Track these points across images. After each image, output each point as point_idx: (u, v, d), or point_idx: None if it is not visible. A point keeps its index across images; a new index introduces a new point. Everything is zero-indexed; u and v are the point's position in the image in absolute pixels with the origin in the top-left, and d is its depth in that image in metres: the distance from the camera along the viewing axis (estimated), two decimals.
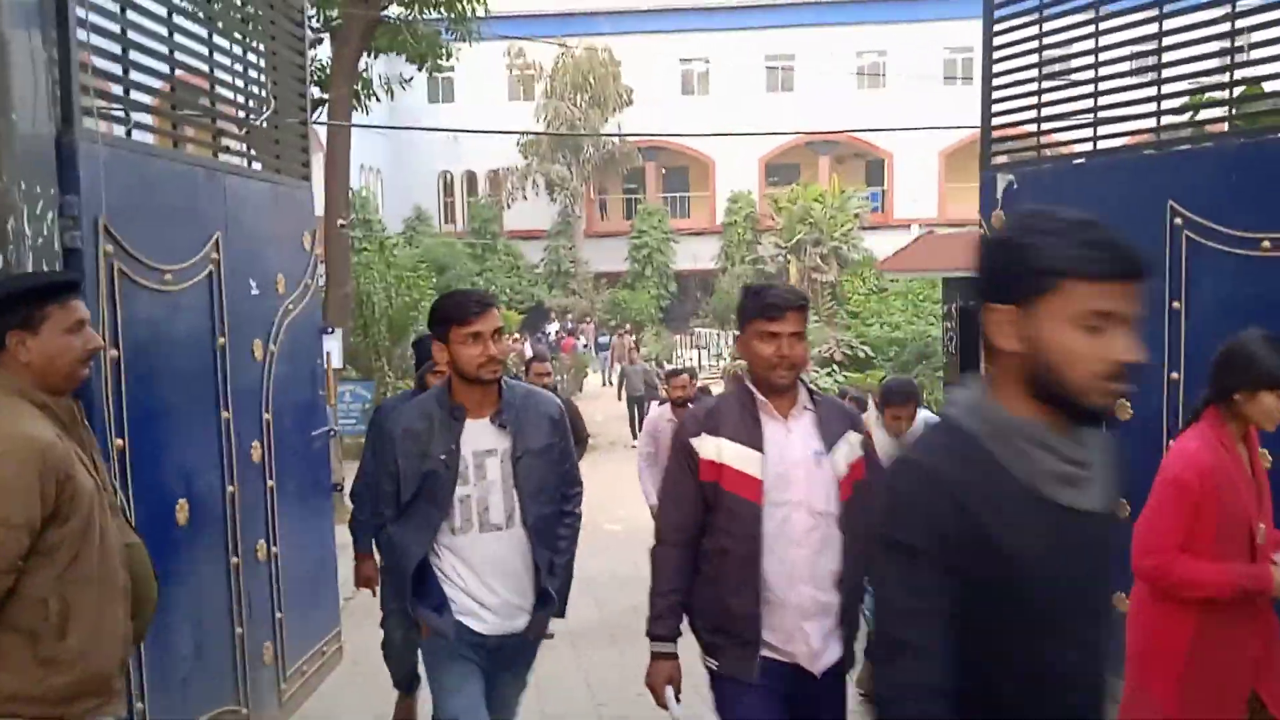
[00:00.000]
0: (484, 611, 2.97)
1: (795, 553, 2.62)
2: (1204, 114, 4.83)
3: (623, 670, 5.23)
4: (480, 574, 2.97)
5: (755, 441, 2.66)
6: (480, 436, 2.95)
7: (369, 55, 13.01)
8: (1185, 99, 4.75)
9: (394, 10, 12.61)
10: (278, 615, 4.26)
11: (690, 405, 6.87)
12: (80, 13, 3.05)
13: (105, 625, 2.31)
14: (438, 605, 2.96)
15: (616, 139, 29.48)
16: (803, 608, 2.63)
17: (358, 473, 4.36)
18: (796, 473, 2.65)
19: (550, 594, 3.05)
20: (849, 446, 2.75)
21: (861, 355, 18.85)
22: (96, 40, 3.24)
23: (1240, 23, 4.23)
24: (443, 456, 2.90)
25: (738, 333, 2.84)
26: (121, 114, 3.54)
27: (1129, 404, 4.46)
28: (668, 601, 2.75)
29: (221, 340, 3.81)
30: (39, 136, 2.85)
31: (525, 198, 30.37)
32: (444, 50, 13.87)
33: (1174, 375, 4.26)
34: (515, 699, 3.33)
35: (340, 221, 11.93)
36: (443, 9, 12.97)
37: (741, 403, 2.73)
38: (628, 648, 5.35)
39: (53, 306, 2.31)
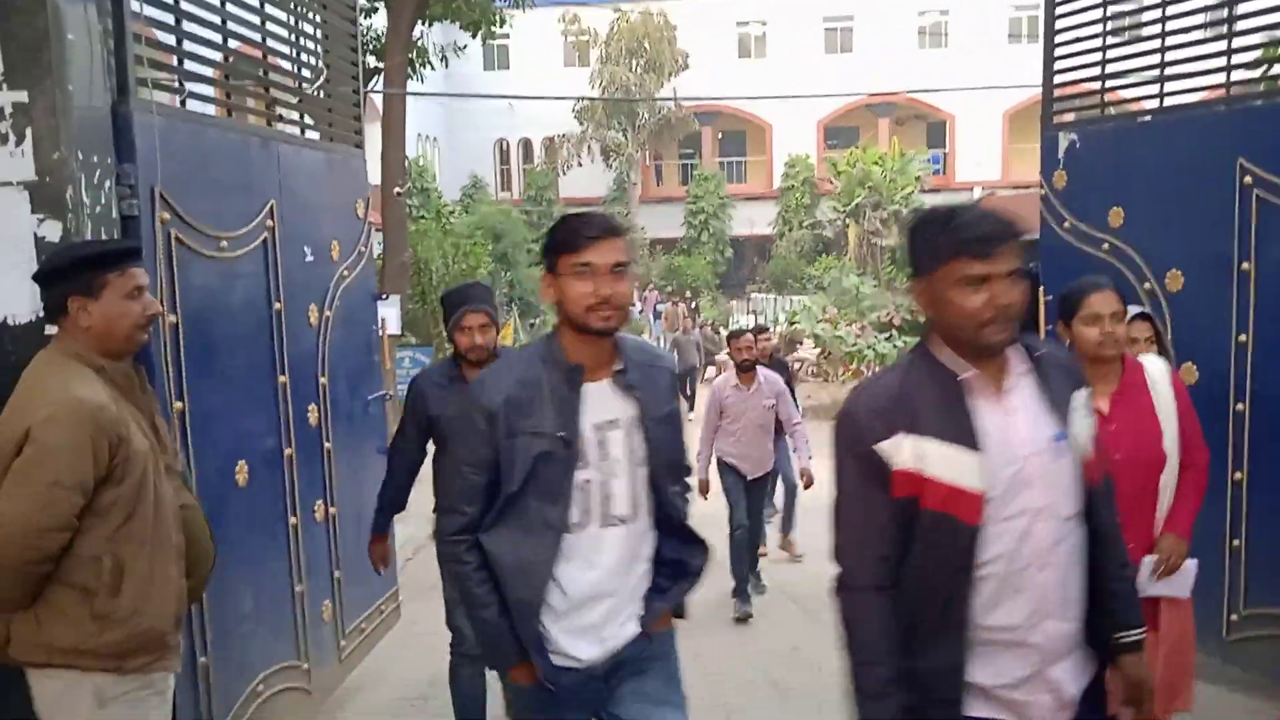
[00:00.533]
0: (591, 634, 2.31)
1: (1040, 577, 1.89)
2: (1277, 68, 4.64)
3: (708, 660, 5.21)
4: (595, 585, 2.30)
5: (967, 436, 1.88)
6: (602, 404, 2.30)
7: (424, 24, 13.05)
8: (1258, 53, 4.57)
9: None
10: (336, 574, 4.36)
11: (761, 367, 6.28)
12: None
13: (157, 584, 2.37)
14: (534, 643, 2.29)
15: (672, 104, 29.24)
16: (1050, 649, 1.93)
17: (390, 446, 4.03)
18: (1031, 470, 1.90)
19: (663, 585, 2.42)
20: (1083, 412, 2.00)
21: (922, 320, 18.52)
22: (150, 11, 3.29)
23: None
24: (561, 434, 2.23)
25: (912, 279, 2.06)
26: (176, 84, 3.59)
27: (1195, 367, 4.34)
28: (886, 672, 1.93)
29: (277, 306, 3.88)
30: (95, 107, 2.90)
31: (581, 164, 30.34)
32: (498, 17, 13.87)
33: (1242, 338, 4.14)
34: (671, 689, 2.46)
35: (396, 190, 12.04)
36: None
37: (935, 379, 1.96)
38: (704, 637, 5.31)
39: (113, 273, 2.38)
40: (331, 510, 4.33)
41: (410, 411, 3.82)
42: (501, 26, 14.24)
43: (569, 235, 2.25)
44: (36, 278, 2.43)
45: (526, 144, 33.48)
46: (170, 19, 3.46)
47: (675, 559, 2.41)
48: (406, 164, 15.28)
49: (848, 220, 27.99)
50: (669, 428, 2.39)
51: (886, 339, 16.33)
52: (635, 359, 2.35)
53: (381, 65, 12.24)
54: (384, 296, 5.78)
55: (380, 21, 12.89)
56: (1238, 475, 4.13)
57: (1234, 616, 4.18)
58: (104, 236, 2.87)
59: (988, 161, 30.35)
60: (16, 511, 2.17)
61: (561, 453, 2.23)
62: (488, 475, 2.26)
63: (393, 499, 3.98)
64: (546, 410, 2.24)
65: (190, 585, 2.52)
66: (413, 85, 13.30)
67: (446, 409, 3.61)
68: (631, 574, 2.35)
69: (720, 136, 33.51)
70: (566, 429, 2.24)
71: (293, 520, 3.95)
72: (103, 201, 2.89)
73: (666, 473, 2.37)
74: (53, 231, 2.75)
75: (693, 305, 24.82)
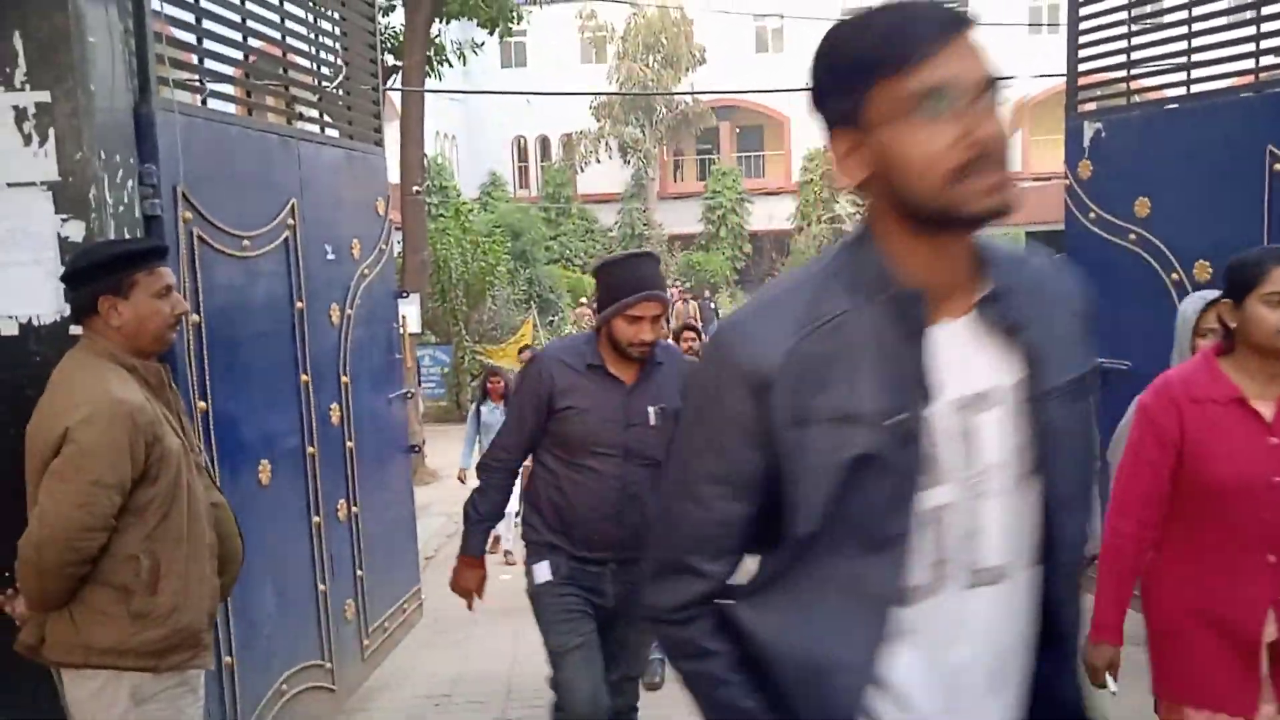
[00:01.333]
0: None
1: None
2: None
3: None
4: (951, 690, 1.23)
5: None
6: (963, 362, 1.20)
7: (441, 21, 13.05)
8: None
9: None
10: (359, 573, 4.36)
11: None
12: None
13: (194, 581, 2.39)
14: None
15: (690, 99, 29.17)
16: None
17: (493, 446, 3.28)
18: None
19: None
20: None
21: None
22: (171, 11, 3.30)
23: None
24: (901, 415, 1.16)
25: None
26: (197, 83, 3.60)
27: None
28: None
29: (299, 305, 3.88)
30: (117, 107, 2.90)
31: (598, 161, 30.30)
32: (515, 14, 13.85)
33: None
34: None
35: (415, 188, 12.06)
36: None
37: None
38: None
39: (141, 272, 2.39)
40: (354, 509, 4.33)
41: (529, 398, 3.09)
42: (519, 23, 14.24)
43: (905, 37, 1.13)
44: (65, 278, 2.43)
45: (544, 141, 33.48)
46: (191, 18, 3.47)
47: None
48: (425, 162, 15.30)
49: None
50: (1077, 408, 1.25)
51: None
52: (1014, 276, 1.24)
53: (399, 63, 12.25)
54: (405, 294, 5.79)
55: (398, 20, 12.91)
56: None
57: None
58: (127, 236, 2.87)
59: (1010, 152, 30.08)
60: (58, 512, 2.18)
61: (896, 455, 1.17)
62: (747, 501, 1.23)
63: (493, 509, 3.28)
64: (864, 376, 1.17)
65: (222, 583, 2.54)
66: (430, 83, 13.31)
67: (579, 401, 3.01)
68: (1011, 666, 1.26)
69: (738, 131, 33.40)
70: (906, 409, 1.16)
71: (316, 519, 3.96)
72: (125, 201, 2.89)
73: (1072, 494, 1.26)
74: (76, 231, 2.76)
75: (711, 303, 24.72)
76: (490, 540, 7.21)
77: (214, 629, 2.58)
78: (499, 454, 3.19)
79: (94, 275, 2.36)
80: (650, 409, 3.01)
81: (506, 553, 7.37)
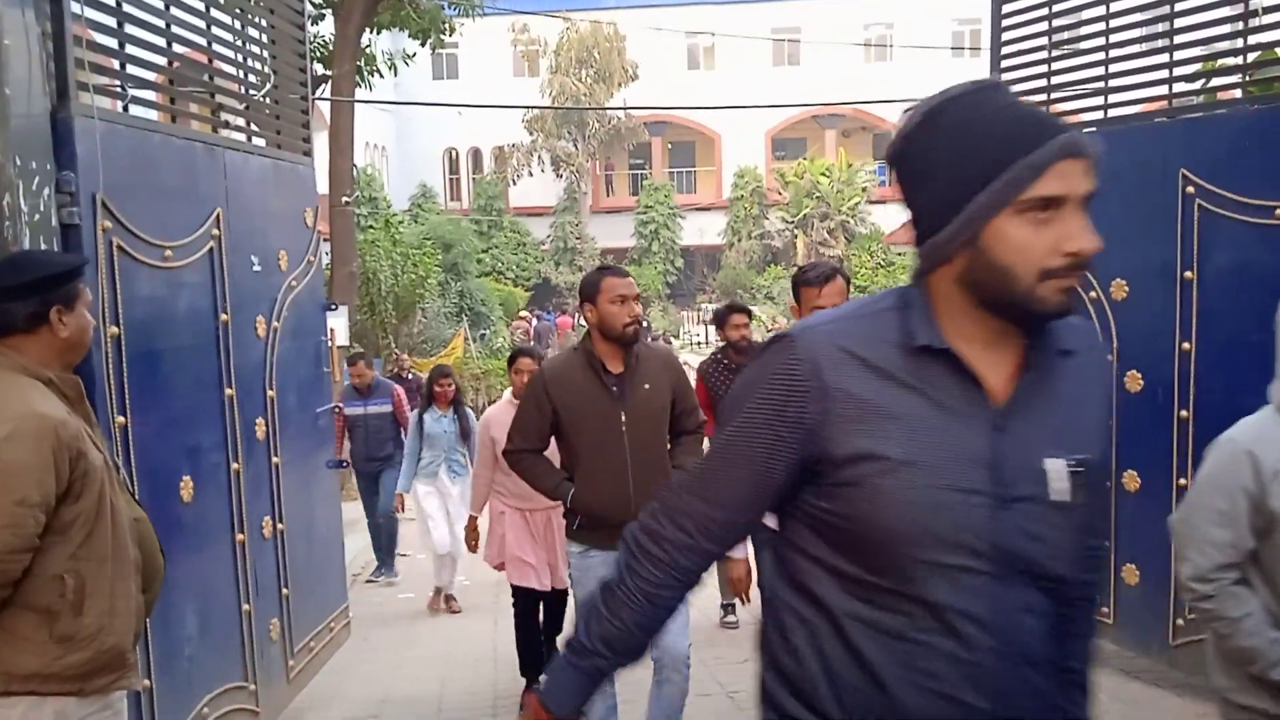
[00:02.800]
0: None
1: None
2: (1216, 81, 4.76)
3: None
4: None
5: None
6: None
7: (372, 31, 12.93)
8: (1198, 65, 4.68)
9: None
10: (284, 591, 4.26)
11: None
12: None
13: (119, 600, 2.31)
14: None
15: (622, 114, 29.32)
16: None
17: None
18: None
19: None
20: None
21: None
22: (91, 14, 3.20)
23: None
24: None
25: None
26: (118, 89, 3.50)
27: (1140, 374, 4.42)
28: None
29: (224, 317, 3.79)
30: (34, 112, 2.81)
31: (531, 174, 30.28)
32: (447, 26, 13.78)
33: (1185, 346, 4.22)
34: None
35: (344, 198, 11.90)
36: None
37: None
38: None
39: (81, 283, 2.37)
40: (280, 526, 4.23)
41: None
42: (450, 35, 14.16)
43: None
44: (14, 289, 2.29)
45: (476, 153, 33.32)
46: (112, 22, 3.37)
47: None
48: (355, 173, 15.11)
49: (796, 231, 28.28)
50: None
51: None
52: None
53: (329, 73, 12.10)
54: (333, 307, 5.69)
55: (328, 29, 12.75)
56: (1182, 481, 4.20)
57: (1179, 621, 4.26)
58: (42, 245, 2.77)
59: None
60: None
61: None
62: None
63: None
64: None
65: (145, 599, 2.46)
66: (360, 93, 13.16)
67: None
68: None
69: (670, 147, 33.65)
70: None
71: (240, 537, 3.85)
72: (41, 209, 2.79)
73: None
74: None
75: (645, 319, 24.78)
76: (433, 594, 6.93)
77: (139, 648, 2.50)
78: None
79: (50, 286, 2.30)
80: None
81: (449, 598, 6.78)
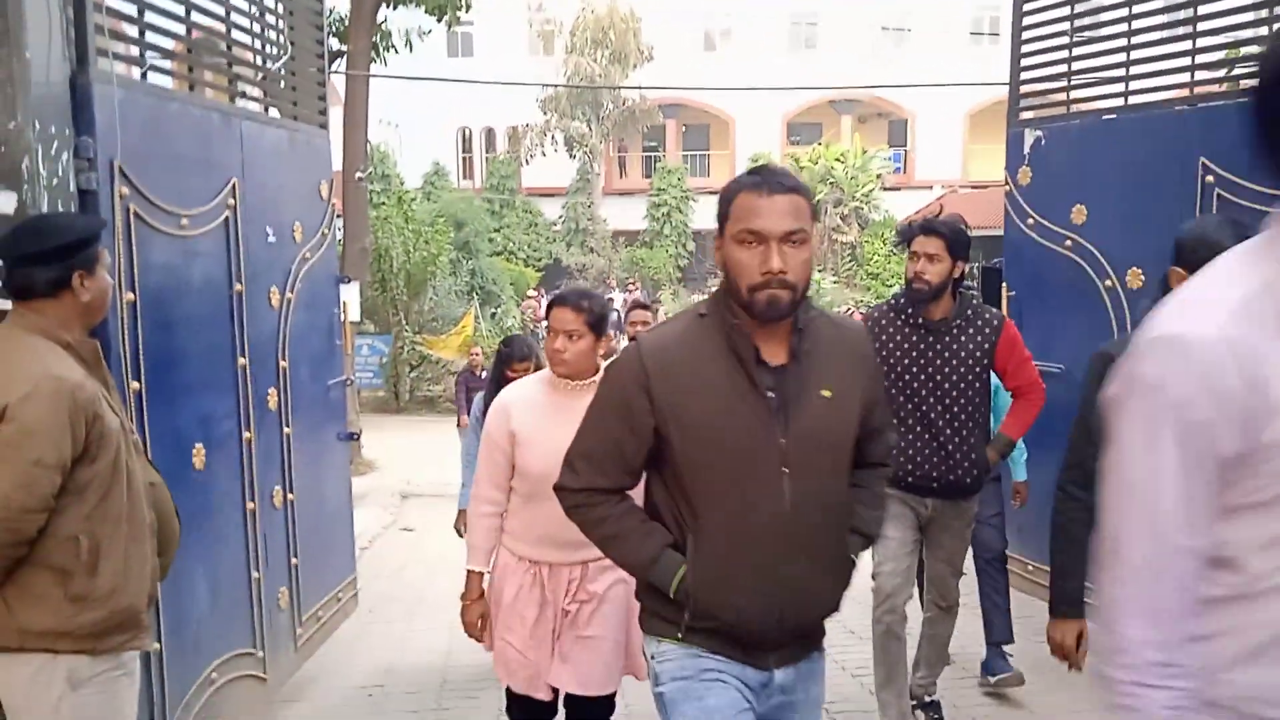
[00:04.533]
0: None
1: None
2: (1239, 69, 4.72)
3: None
4: None
5: None
6: None
7: (387, 7, 12.89)
8: (1220, 54, 4.64)
9: None
10: (293, 561, 4.29)
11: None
12: None
13: (134, 562, 2.34)
14: None
15: (637, 96, 29.17)
16: None
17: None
18: None
19: None
20: None
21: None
22: None
23: None
24: None
25: None
26: (137, 56, 3.50)
27: None
28: None
29: (238, 287, 3.80)
30: (53, 77, 2.81)
31: (544, 154, 30.16)
32: (463, 3, 13.72)
33: None
34: None
35: (358, 174, 11.90)
36: None
37: None
38: None
39: (101, 246, 2.40)
40: (290, 496, 4.26)
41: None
42: (467, 13, 14.09)
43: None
44: (37, 255, 2.29)
45: (489, 132, 33.22)
46: None
47: None
48: (368, 149, 15.10)
49: None
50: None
51: None
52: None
53: (344, 48, 12.07)
54: (347, 280, 5.70)
55: (343, 4, 12.71)
56: None
57: None
58: (60, 209, 2.78)
59: (948, 160, 30.62)
60: None
61: None
62: None
63: None
64: None
65: (160, 563, 2.50)
66: (375, 69, 13.12)
67: None
68: None
69: (684, 130, 33.49)
70: None
71: (250, 506, 3.88)
72: (59, 174, 2.80)
73: None
74: (7, 203, 2.66)
75: (654, 302, 24.69)
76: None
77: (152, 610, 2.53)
78: None
79: (74, 250, 2.32)
80: None
81: None
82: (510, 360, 4.42)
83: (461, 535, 4.48)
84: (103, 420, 2.26)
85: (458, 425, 9.17)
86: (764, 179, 1.99)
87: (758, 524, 1.99)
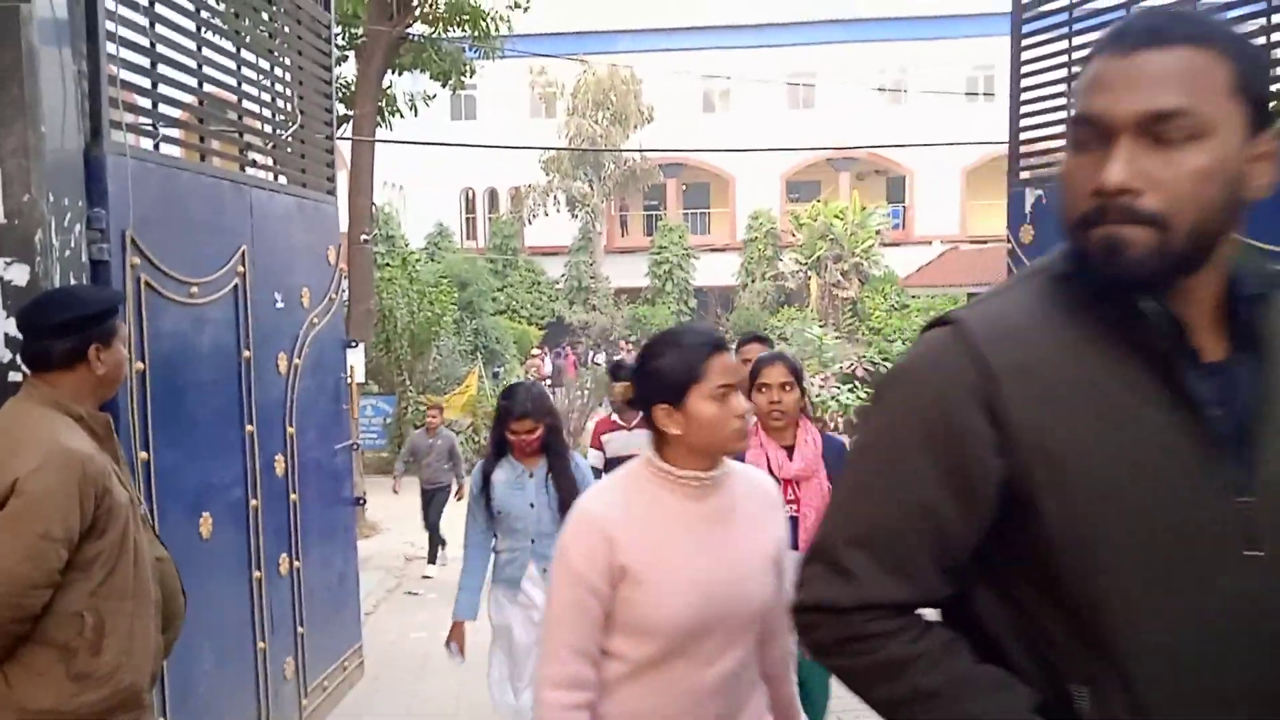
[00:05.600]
0: None
1: None
2: None
3: None
4: None
5: None
6: None
7: (393, 73, 13.10)
8: None
9: (418, 29, 12.71)
10: (299, 630, 4.24)
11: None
12: (109, 26, 3.05)
13: (138, 640, 2.30)
14: None
15: (638, 156, 29.52)
16: None
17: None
18: None
19: None
20: None
21: (883, 372, 18.65)
22: (125, 54, 3.25)
23: (1276, 36, 4.17)
24: None
25: None
26: (149, 127, 3.55)
27: None
28: None
29: (246, 354, 3.81)
30: (67, 149, 2.85)
31: (546, 214, 30.45)
32: (467, 68, 13.95)
33: None
34: None
35: (364, 236, 11.99)
36: (466, 28, 13.06)
37: None
38: None
39: (118, 320, 2.41)
40: (296, 564, 4.22)
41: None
42: (470, 77, 14.32)
43: None
44: (54, 327, 2.29)
45: (492, 193, 33.57)
46: (145, 61, 3.42)
47: None
48: (374, 211, 15.25)
49: (809, 272, 28.30)
50: None
51: (849, 390, 16.41)
52: None
53: (350, 113, 12.25)
54: (353, 344, 5.71)
55: (350, 70, 12.93)
56: None
57: None
58: (72, 281, 2.80)
59: (946, 216, 30.89)
60: (4, 567, 2.08)
61: None
62: None
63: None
64: None
65: (165, 640, 2.45)
66: (381, 133, 13.30)
67: None
68: None
69: (685, 188, 33.84)
70: None
71: (256, 574, 3.84)
72: (72, 245, 2.82)
73: None
74: (20, 275, 2.68)
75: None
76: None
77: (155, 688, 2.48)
78: None
79: (87, 324, 2.32)
80: None
81: None
82: (508, 418, 3.58)
83: (453, 654, 3.79)
84: (112, 494, 2.24)
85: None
86: (1129, 29, 1.05)
87: (1215, 655, 1.05)
